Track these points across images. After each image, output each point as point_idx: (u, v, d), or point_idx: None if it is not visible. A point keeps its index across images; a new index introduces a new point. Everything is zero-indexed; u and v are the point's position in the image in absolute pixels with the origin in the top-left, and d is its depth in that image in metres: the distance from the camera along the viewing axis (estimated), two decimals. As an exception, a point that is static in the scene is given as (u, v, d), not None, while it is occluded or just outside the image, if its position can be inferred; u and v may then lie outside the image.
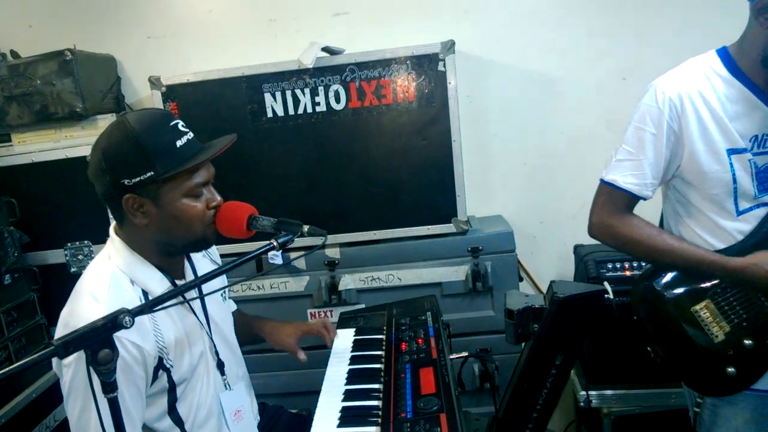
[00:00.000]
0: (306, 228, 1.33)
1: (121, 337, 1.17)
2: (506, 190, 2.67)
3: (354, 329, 1.85)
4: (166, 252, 1.38)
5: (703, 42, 1.55)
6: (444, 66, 2.23)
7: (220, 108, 2.33)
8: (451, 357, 1.59)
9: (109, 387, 1.04)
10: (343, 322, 1.92)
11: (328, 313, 2.36)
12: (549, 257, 2.67)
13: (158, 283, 1.35)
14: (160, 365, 1.31)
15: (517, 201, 2.67)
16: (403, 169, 2.32)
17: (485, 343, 2.28)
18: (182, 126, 1.32)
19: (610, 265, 2.14)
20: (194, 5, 2.69)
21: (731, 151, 1.43)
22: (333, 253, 2.35)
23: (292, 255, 2.33)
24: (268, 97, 2.30)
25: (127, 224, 1.34)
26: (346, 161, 2.33)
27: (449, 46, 2.22)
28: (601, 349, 2.17)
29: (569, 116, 2.58)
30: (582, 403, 2.20)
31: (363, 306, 2.28)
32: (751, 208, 1.45)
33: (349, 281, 2.33)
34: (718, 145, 1.43)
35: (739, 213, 1.45)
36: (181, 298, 1.33)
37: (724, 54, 1.48)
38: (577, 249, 2.37)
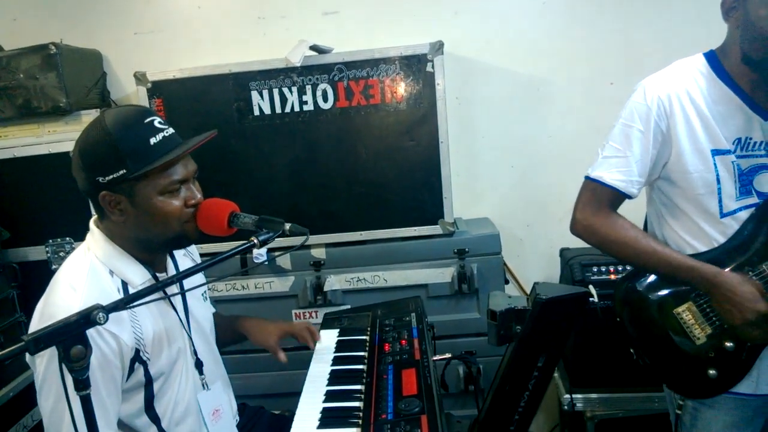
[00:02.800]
0: (288, 226, 1.31)
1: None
2: (493, 193, 2.67)
3: (338, 330, 1.83)
4: (146, 248, 1.37)
5: (690, 47, 1.55)
6: (432, 67, 2.22)
7: (206, 105, 2.31)
8: (435, 358, 1.57)
9: (82, 384, 1.02)
10: (328, 323, 1.90)
11: (313, 314, 2.34)
12: (535, 260, 2.67)
13: (138, 275, 1.35)
14: (137, 357, 1.30)
15: (504, 204, 2.67)
16: (391, 169, 2.30)
17: (470, 345, 2.27)
18: (159, 123, 1.31)
19: (595, 269, 2.15)
20: (182, 1, 2.67)
21: (715, 152, 1.44)
22: (319, 253, 2.33)
23: (275, 254, 2.30)
24: (255, 95, 2.28)
25: (107, 219, 1.33)
26: (333, 161, 2.32)
27: (438, 47, 2.22)
28: (586, 352, 2.17)
29: (557, 120, 2.58)
30: (566, 407, 2.19)
31: (348, 307, 2.27)
32: (734, 211, 1.45)
33: (334, 282, 2.32)
34: (703, 145, 1.44)
35: (723, 215, 1.45)
36: (158, 294, 1.32)
37: (711, 56, 1.49)
38: (563, 252, 2.37)
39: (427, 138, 2.27)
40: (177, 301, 1.46)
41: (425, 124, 2.26)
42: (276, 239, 1.30)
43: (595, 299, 2.06)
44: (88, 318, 1.02)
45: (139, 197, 1.28)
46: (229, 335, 1.72)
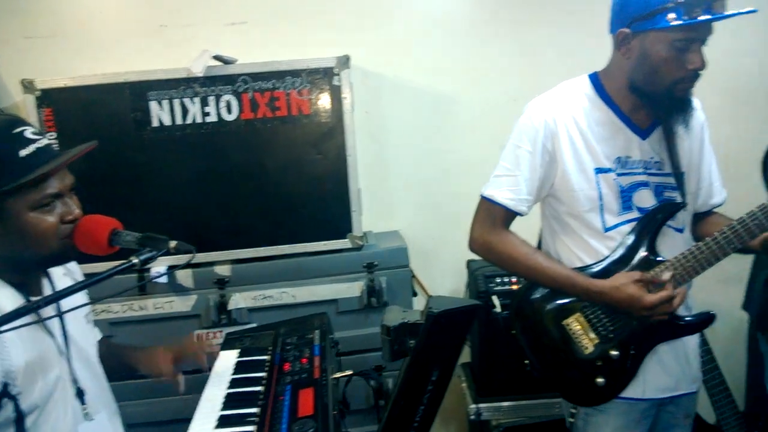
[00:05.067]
0: (173, 244, 1.25)
1: None
2: (403, 206, 2.70)
3: (239, 350, 1.76)
4: (18, 269, 1.27)
5: (585, 66, 1.62)
6: (339, 80, 2.22)
7: (101, 115, 2.19)
8: (335, 376, 1.55)
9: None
10: (228, 344, 1.83)
11: (217, 334, 2.25)
12: (444, 272, 2.70)
13: (9, 299, 1.23)
14: (5, 393, 1.18)
15: (414, 217, 2.70)
16: (298, 183, 2.27)
17: (380, 359, 2.25)
18: (31, 133, 1.22)
19: (498, 279, 2.20)
20: (78, 6, 2.53)
21: (598, 170, 1.51)
22: (223, 270, 2.24)
23: (179, 272, 2.20)
24: (153, 105, 2.19)
25: None
26: (238, 174, 2.25)
27: (344, 61, 2.22)
28: (491, 361, 2.21)
29: (463, 135, 2.65)
30: (473, 416, 2.23)
31: (254, 325, 2.20)
32: (616, 225, 1.53)
33: (239, 300, 2.24)
34: (587, 165, 1.51)
35: (606, 229, 1.53)
36: (29, 318, 1.22)
37: (594, 79, 1.57)
38: (470, 264, 2.42)
39: (335, 151, 2.26)
40: (55, 326, 1.35)
41: (332, 138, 2.25)
42: (181, 256, 1.24)
43: (498, 309, 2.12)
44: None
45: (8, 214, 1.18)
46: (119, 367, 1.60)
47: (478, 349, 2.25)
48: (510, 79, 2.61)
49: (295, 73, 2.22)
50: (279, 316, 2.13)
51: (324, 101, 2.23)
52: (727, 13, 1.35)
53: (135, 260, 1.20)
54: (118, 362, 1.60)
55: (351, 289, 2.28)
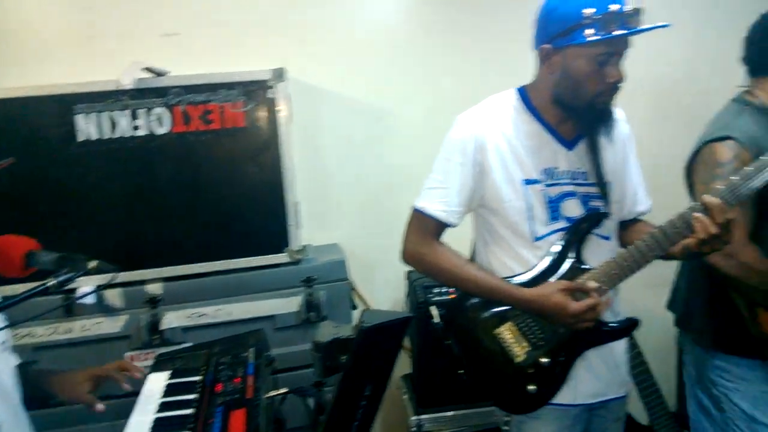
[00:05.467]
0: (93, 264, 1.20)
1: None
2: (344, 219, 2.69)
3: (170, 372, 1.70)
4: None
5: (522, 80, 1.65)
6: (274, 93, 2.20)
7: (24, 130, 2.09)
8: (269, 395, 1.51)
9: None
10: (159, 365, 1.76)
11: (149, 356, 2.16)
12: (384, 284, 2.70)
13: None
14: None
15: (355, 229, 2.69)
16: (234, 197, 2.23)
17: (320, 375, 2.23)
18: None
19: (436, 290, 2.22)
20: (3, 15, 2.40)
21: (526, 182, 1.54)
22: (155, 288, 2.17)
23: (108, 292, 2.11)
24: (80, 118, 2.10)
25: None
26: (171, 189, 2.19)
27: (279, 74, 2.20)
28: (430, 372, 2.22)
29: (400, 148, 2.66)
30: (414, 428, 2.23)
31: (190, 344, 2.13)
32: (545, 235, 1.56)
33: (172, 319, 2.17)
34: (515, 176, 1.54)
35: (536, 239, 1.56)
36: None
37: (522, 92, 1.61)
38: (409, 275, 2.43)
39: (271, 164, 2.23)
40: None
41: (268, 151, 2.22)
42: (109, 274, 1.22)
43: (437, 320, 2.13)
44: None
45: None
46: (38, 394, 1.52)
47: (418, 360, 2.26)
48: (448, 92, 2.64)
49: (229, 86, 2.18)
50: (215, 335, 2.07)
51: (259, 114, 2.20)
52: (641, 27, 1.42)
53: (51, 282, 1.15)
54: (35, 388, 1.51)
55: (289, 304, 2.25)
